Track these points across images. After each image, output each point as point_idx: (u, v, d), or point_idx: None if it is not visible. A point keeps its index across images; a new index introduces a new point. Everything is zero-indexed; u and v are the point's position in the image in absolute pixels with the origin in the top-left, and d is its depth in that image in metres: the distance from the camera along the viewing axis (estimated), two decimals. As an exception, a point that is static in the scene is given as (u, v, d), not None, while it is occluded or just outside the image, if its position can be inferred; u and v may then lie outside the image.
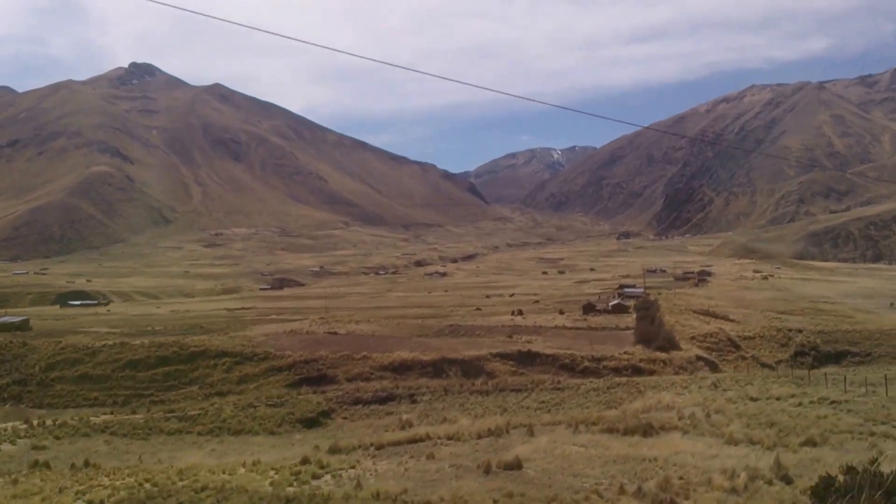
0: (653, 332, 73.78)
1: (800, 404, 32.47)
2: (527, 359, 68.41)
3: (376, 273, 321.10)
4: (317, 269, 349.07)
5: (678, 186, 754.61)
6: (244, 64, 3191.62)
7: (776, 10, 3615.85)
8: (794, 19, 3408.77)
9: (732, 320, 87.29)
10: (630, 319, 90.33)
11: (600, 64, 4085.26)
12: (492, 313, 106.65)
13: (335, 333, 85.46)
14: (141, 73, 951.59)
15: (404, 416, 47.73)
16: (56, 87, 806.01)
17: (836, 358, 75.18)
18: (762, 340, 79.08)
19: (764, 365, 70.02)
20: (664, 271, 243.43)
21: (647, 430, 26.48)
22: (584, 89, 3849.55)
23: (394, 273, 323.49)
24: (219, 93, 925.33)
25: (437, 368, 66.82)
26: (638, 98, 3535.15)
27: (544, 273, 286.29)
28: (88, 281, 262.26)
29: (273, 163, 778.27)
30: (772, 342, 78.48)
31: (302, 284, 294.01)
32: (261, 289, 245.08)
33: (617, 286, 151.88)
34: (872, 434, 27.02)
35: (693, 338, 76.51)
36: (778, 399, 34.52)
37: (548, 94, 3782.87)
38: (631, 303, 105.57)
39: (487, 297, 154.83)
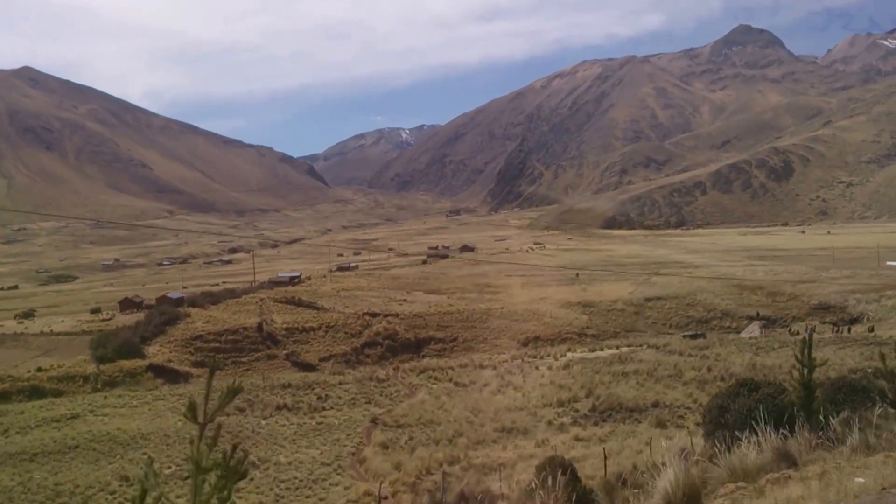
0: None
1: None
2: None
3: (159, 264, 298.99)
4: (110, 262, 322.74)
5: (515, 162, 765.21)
6: (73, 47, 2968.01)
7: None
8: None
9: (319, 308, 75.64)
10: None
11: (450, 42, 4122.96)
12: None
13: None
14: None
15: None
16: None
17: (418, 346, 66.16)
18: (330, 330, 67.92)
19: (299, 364, 59.41)
20: (447, 248, 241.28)
21: None
22: (433, 68, 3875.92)
23: (182, 262, 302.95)
24: (28, 76, 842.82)
25: None
26: (485, 76, 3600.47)
27: (340, 255, 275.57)
28: None
29: (90, 150, 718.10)
30: (341, 332, 67.64)
31: (75, 279, 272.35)
32: None
33: (327, 268, 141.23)
34: None
35: (198, 337, 63.53)
36: None
37: (398, 73, 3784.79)
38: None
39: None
